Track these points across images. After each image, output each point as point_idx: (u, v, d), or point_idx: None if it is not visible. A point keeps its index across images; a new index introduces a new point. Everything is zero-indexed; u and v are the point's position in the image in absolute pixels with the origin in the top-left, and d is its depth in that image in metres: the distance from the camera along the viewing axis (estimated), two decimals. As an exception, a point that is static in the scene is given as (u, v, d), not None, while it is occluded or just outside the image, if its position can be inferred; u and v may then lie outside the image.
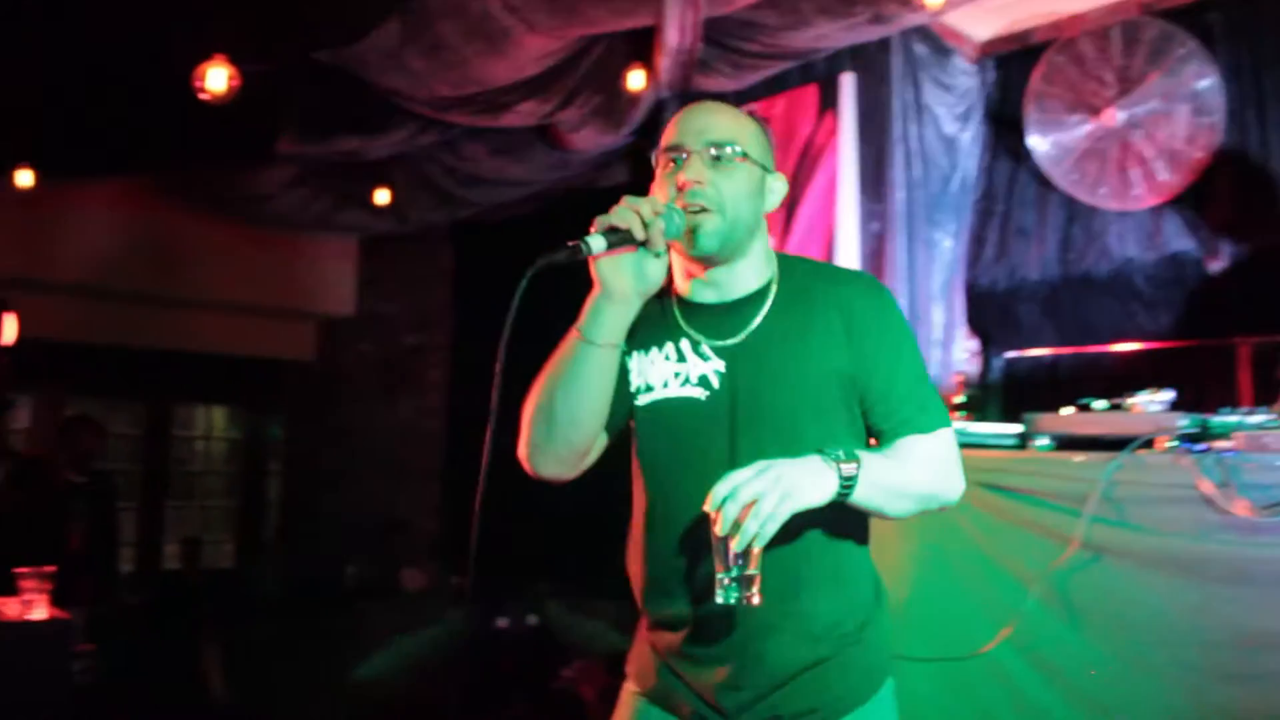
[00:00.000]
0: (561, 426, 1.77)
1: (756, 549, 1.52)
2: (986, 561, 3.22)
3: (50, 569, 3.88)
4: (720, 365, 1.80)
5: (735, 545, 1.51)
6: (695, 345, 1.83)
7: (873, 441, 1.88)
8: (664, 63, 4.70)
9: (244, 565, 8.26)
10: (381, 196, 6.58)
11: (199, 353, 7.98)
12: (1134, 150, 4.34)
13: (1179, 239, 4.37)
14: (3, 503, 5.70)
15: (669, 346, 1.85)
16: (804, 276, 1.87)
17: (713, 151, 1.77)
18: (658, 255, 1.71)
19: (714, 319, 1.83)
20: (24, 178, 5.88)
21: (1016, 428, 3.42)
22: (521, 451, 1.82)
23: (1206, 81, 4.18)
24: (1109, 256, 4.54)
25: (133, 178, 6.89)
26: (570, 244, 1.60)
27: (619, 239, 1.64)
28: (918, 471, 1.78)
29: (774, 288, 1.84)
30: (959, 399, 4.18)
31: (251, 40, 4.56)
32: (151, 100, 5.04)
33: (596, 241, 1.62)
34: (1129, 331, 4.42)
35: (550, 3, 4.25)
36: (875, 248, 4.59)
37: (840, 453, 1.63)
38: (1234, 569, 2.75)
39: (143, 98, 5.05)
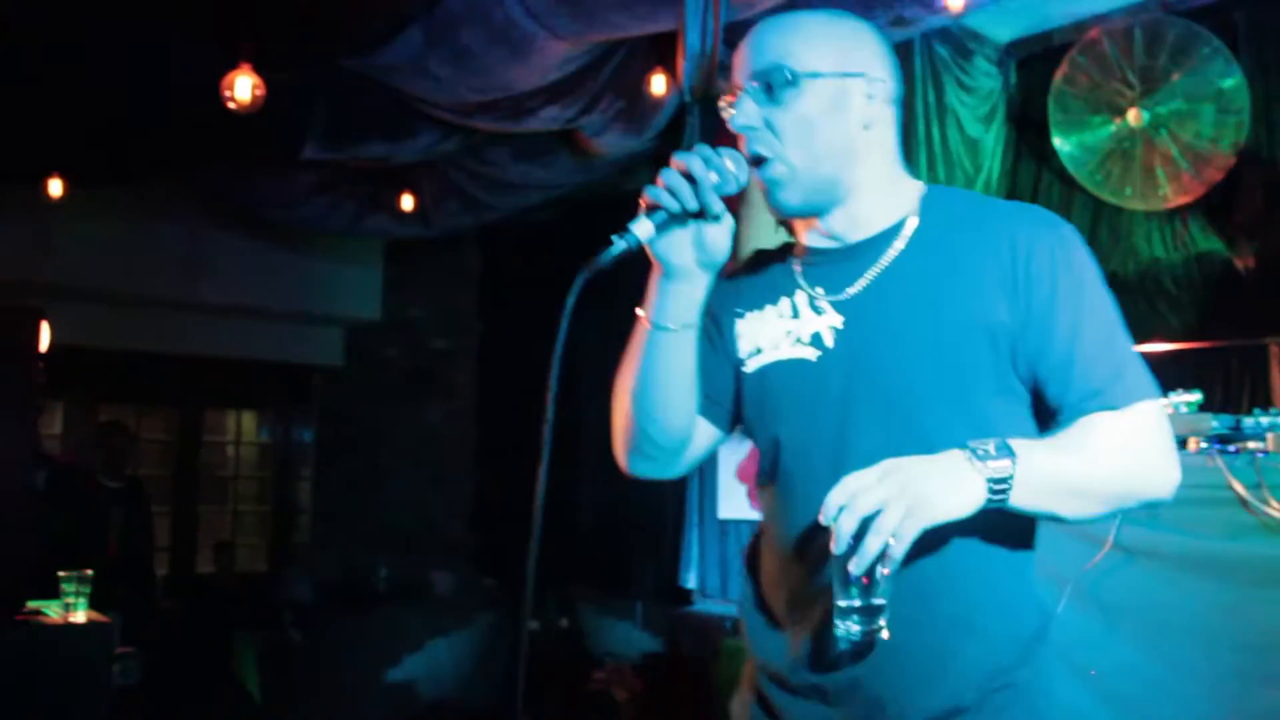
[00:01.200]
0: (641, 423, 1.51)
1: (884, 571, 1.22)
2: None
3: (89, 572, 3.95)
4: (837, 320, 1.46)
5: (854, 568, 1.21)
6: (812, 299, 1.49)
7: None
8: (685, 67, 4.71)
9: (276, 569, 8.33)
10: (407, 202, 6.62)
11: (228, 358, 8.06)
12: (1159, 150, 4.33)
13: (1206, 239, 4.36)
14: (42, 508, 5.78)
15: (784, 302, 1.52)
16: (956, 208, 1.50)
17: (760, 84, 1.43)
18: (717, 219, 1.39)
19: (833, 266, 1.49)
20: (54, 187, 5.96)
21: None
22: (615, 451, 1.58)
23: (1231, 80, 4.17)
24: (1136, 257, 4.53)
25: (161, 185, 6.97)
26: (616, 239, 1.34)
27: (668, 217, 1.37)
28: (1105, 461, 1.35)
29: (911, 222, 1.47)
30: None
31: (277, 48, 4.61)
32: (179, 109, 5.10)
33: (643, 228, 1.35)
34: (1158, 332, 4.41)
35: (572, 8, 4.27)
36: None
37: (988, 447, 1.27)
38: (1267, 571, 2.75)
39: (171, 106, 5.11)
